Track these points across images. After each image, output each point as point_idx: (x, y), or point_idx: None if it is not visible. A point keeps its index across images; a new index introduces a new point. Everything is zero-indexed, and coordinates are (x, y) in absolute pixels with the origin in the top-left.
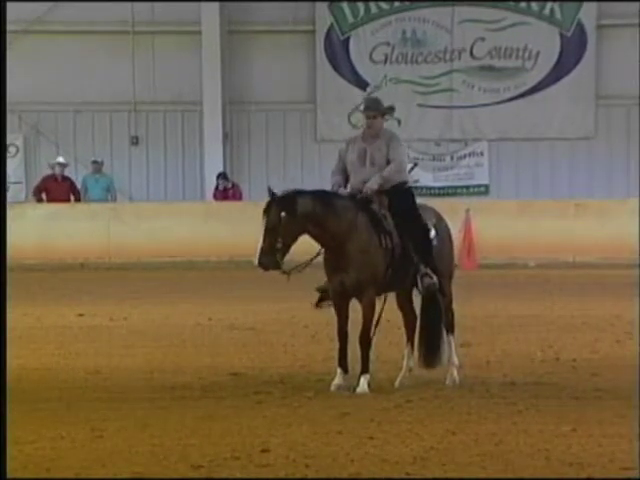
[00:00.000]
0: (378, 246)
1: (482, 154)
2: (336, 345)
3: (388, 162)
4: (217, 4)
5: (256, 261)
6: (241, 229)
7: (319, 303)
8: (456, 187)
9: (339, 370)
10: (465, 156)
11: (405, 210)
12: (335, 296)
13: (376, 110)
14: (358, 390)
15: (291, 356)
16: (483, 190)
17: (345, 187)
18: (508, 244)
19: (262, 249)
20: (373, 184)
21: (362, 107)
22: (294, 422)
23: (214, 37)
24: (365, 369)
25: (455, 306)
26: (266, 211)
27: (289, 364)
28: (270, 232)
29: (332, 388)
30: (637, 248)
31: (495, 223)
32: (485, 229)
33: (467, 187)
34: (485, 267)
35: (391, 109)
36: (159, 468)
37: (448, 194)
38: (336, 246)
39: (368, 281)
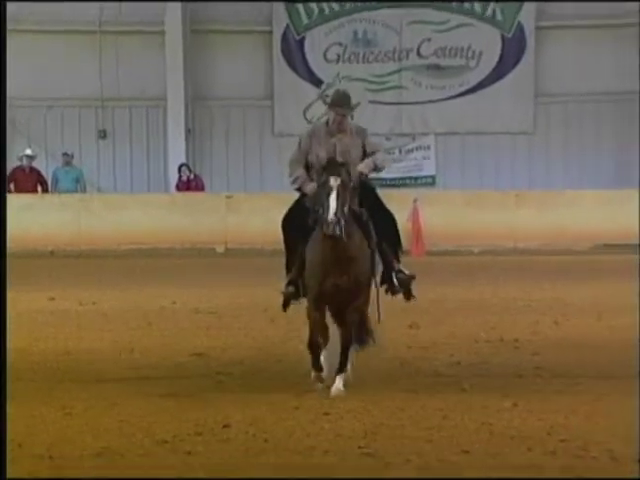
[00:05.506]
0: (367, 244)
1: (429, 148)
2: (306, 353)
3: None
4: (179, 4)
5: (330, 219)
6: (203, 219)
7: (286, 305)
8: (405, 178)
9: (314, 373)
10: (413, 149)
11: (374, 204)
12: (322, 299)
13: (348, 109)
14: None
15: (250, 339)
16: (430, 181)
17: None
18: (454, 232)
19: (335, 209)
20: (365, 167)
21: (331, 101)
22: (253, 400)
23: (177, 36)
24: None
25: None
26: (334, 170)
27: (249, 346)
28: (342, 193)
29: (314, 385)
30: (575, 235)
31: (442, 212)
32: (432, 218)
33: (415, 178)
34: (432, 254)
35: (357, 105)
36: (126, 444)
37: (397, 185)
38: (336, 245)
39: (366, 282)
